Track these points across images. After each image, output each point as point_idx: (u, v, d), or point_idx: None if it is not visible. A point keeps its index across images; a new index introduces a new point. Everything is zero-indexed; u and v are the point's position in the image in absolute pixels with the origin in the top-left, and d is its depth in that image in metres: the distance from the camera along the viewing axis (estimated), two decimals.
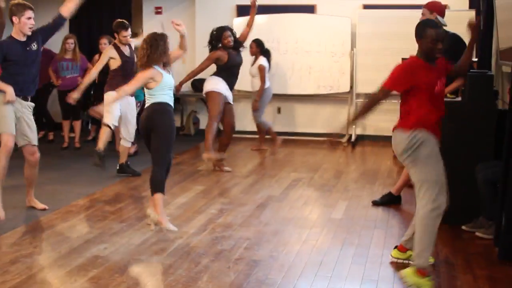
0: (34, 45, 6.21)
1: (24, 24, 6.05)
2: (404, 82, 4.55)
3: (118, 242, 5.56)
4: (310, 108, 11.29)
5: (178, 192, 7.37)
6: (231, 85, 8.56)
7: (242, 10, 11.11)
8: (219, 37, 8.42)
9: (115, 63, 8.27)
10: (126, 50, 8.37)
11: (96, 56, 10.09)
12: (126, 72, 8.15)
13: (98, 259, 5.09)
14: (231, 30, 8.54)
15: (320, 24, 10.79)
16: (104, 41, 9.91)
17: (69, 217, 6.33)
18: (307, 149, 10.35)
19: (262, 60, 9.71)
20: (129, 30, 8.38)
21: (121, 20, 8.42)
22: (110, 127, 8.07)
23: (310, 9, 10.93)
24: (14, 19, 6.06)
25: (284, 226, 6.04)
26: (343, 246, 5.46)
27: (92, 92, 10.31)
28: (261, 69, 9.68)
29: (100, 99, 8.80)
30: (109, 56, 8.26)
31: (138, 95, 9.75)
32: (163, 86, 5.73)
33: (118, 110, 8.13)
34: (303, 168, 8.80)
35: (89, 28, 11.83)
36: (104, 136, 8.05)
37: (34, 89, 6.38)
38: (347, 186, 7.72)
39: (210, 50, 8.50)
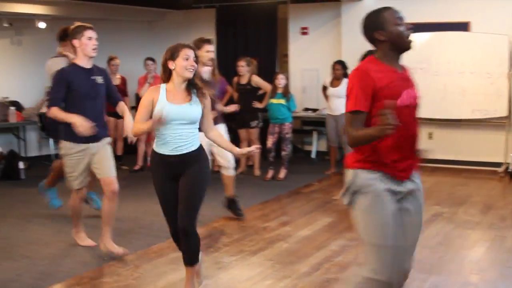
0: (100, 79, 5.63)
1: (86, 45, 5.46)
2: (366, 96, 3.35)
3: (222, 278, 5.18)
4: (463, 134, 10.32)
5: (302, 224, 6.91)
6: None
7: None
8: None
9: None
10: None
11: (235, 79, 9.88)
12: None
13: None
14: None
15: (475, 42, 9.85)
16: (242, 63, 9.71)
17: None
18: (458, 179, 9.46)
19: None
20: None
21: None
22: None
23: (463, 26, 10.02)
24: (75, 42, 5.48)
25: None
26: None
27: None
28: None
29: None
30: None
31: (286, 117, 9.45)
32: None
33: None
34: (448, 201, 7.97)
35: (235, 50, 11.67)
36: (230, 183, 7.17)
37: (100, 130, 5.59)
38: (492, 224, 6.84)
39: None
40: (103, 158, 5.68)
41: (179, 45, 4.42)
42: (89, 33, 5.48)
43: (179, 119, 4.36)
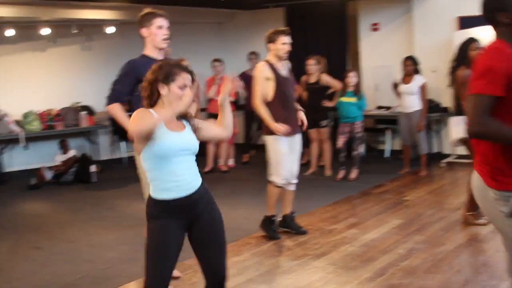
0: None
1: (155, 35, 4.76)
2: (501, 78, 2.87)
3: (280, 283, 5.02)
4: None
5: (371, 226, 6.65)
6: None
7: (465, 22, 10.03)
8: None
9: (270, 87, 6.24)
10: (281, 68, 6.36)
11: (304, 78, 9.70)
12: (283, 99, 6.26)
13: None
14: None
15: None
16: (310, 62, 9.52)
17: (242, 250, 5.92)
18: None
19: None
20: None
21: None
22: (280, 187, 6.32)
23: None
24: (143, 31, 4.81)
25: (479, 275, 5.03)
26: None
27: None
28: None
29: None
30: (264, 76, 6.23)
31: (356, 116, 9.19)
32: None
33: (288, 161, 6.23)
34: None
35: (305, 48, 11.42)
36: (273, 199, 6.34)
37: None
38: None
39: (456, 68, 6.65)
40: None
41: (176, 66, 3.45)
42: (160, 21, 4.79)
43: (185, 149, 3.46)
